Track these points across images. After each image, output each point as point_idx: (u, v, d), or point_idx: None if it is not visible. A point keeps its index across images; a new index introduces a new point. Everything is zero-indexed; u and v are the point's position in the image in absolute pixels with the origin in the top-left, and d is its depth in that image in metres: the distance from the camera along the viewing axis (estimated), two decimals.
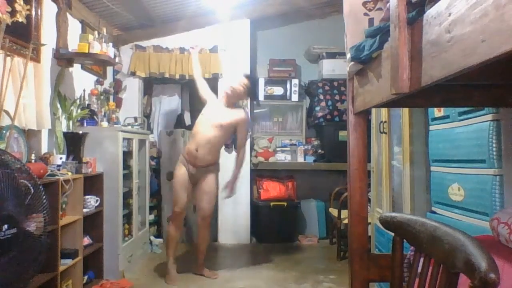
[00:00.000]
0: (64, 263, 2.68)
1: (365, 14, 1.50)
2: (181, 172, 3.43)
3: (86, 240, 3.09)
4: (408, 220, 1.15)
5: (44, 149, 3.00)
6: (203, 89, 3.59)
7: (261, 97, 4.94)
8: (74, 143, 3.06)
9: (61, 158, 2.89)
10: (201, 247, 3.55)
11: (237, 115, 3.44)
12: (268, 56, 5.11)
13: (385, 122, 2.83)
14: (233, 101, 3.49)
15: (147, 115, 5.10)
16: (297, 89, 4.94)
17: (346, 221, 3.53)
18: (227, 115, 3.40)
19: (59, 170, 2.75)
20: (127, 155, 3.72)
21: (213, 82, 4.78)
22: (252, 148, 4.79)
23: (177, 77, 4.60)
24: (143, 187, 4.14)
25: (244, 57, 4.71)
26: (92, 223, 3.19)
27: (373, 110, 3.06)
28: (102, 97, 3.83)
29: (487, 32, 0.70)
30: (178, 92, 5.42)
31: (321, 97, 4.82)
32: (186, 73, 4.57)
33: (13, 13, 2.60)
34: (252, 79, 3.62)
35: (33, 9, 2.84)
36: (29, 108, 2.67)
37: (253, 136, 4.94)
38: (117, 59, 4.09)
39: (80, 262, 2.90)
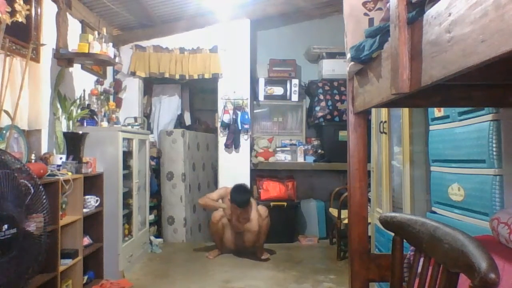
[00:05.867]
0: (64, 263, 2.68)
1: (365, 14, 1.50)
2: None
3: (86, 240, 3.09)
4: (408, 220, 1.15)
5: (44, 149, 3.00)
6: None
7: (261, 97, 4.95)
8: (74, 143, 3.06)
9: (61, 158, 2.89)
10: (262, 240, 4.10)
11: (253, 213, 4.05)
12: (268, 56, 5.11)
13: (385, 122, 2.82)
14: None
15: (147, 115, 5.10)
16: (297, 89, 4.94)
17: (346, 221, 3.53)
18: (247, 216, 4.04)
19: (59, 170, 2.75)
20: (127, 155, 3.72)
21: (213, 82, 4.79)
22: (252, 148, 4.79)
23: (177, 77, 4.60)
24: (143, 187, 4.14)
25: (244, 57, 4.71)
26: (92, 223, 3.19)
27: (373, 110, 3.06)
28: (102, 97, 3.83)
29: (487, 32, 0.70)
30: (178, 92, 5.42)
31: (321, 97, 4.82)
32: (186, 73, 4.57)
33: (13, 13, 2.60)
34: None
35: (33, 9, 2.84)
36: (24, 108, 2.66)
37: (253, 136, 4.94)
38: (117, 59, 4.09)
39: (80, 262, 2.90)
